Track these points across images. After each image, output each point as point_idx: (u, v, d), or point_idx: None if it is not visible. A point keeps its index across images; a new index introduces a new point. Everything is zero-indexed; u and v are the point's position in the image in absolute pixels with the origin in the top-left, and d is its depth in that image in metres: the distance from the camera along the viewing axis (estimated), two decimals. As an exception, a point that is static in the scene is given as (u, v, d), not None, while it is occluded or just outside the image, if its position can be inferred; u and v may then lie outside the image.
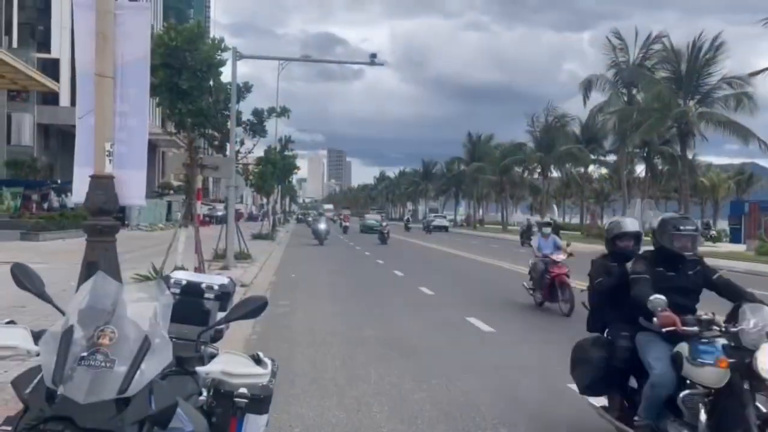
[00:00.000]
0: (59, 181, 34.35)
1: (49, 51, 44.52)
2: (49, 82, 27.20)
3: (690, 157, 38.54)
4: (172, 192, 47.08)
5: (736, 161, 77.69)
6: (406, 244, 35.90)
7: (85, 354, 1.76)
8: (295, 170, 41.24)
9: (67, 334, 1.81)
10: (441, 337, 8.55)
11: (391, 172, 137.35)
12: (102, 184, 5.48)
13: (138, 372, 1.75)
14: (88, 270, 5.30)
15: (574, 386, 6.05)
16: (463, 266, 21.88)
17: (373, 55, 23.51)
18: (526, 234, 32.81)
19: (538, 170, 57.03)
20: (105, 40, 5.39)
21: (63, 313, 1.98)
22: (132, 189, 5.81)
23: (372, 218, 54.51)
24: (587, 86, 40.80)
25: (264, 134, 20.14)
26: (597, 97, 40.92)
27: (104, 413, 1.71)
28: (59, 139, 41.28)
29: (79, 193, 5.77)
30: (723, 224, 56.99)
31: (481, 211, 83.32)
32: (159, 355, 1.84)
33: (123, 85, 5.64)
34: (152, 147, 41.96)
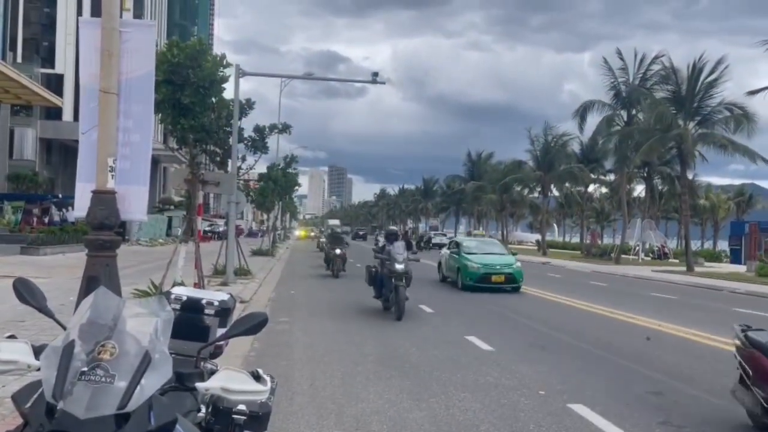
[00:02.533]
0: (60, 196, 34.43)
1: (53, 66, 44.89)
2: (52, 98, 27.38)
3: (690, 177, 38.64)
4: (172, 207, 47.17)
5: (736, 182, 77.87)
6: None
7: (85, 369, 1.77)
8: (296, 187, 41.34)
9: (68, 348, 1.81)
10: (440, 356, 8.51)
11: (392, 189, 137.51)
12: (104, 199, 5.51)
13: (138, 387, 1.75)
14: (89, 284, 5.32)
15: (574, 407, 6.05)
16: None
17: (375, 74, 23.67)
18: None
19: (538, 189, 57.10)
20: (110, 56, 5.45)
21: (64, 327, 1.99)
22: (134, 204, 5.84)
23: (495, 257, 18.95)
24: (582, 113, 41.03)
25: (265, 151, 20.27)
26: (597, 119, 41.16)
27: (104, 428, 1.70)
28: (61, 153, 41.46)
29: (80, 207, 5.80)
30: (723, 245, 56.97)
31: (481, 228, 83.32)
32: (159, 371, 1.84)
33: (127, 101, 5.70)
34: (154, 162, 42.06)
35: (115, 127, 5.58)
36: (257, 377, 2.17)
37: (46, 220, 31.90)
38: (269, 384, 2.23)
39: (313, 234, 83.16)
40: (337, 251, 21.33)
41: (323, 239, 36.62)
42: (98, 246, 5.53)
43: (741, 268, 33.80)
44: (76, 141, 5.99)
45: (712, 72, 33.16)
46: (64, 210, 32.20)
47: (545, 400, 6.34)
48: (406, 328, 10.94)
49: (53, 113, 39.58)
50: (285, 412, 5.52)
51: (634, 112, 39.38)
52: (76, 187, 5.95)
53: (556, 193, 59.55)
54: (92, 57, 5.66)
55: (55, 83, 41.30)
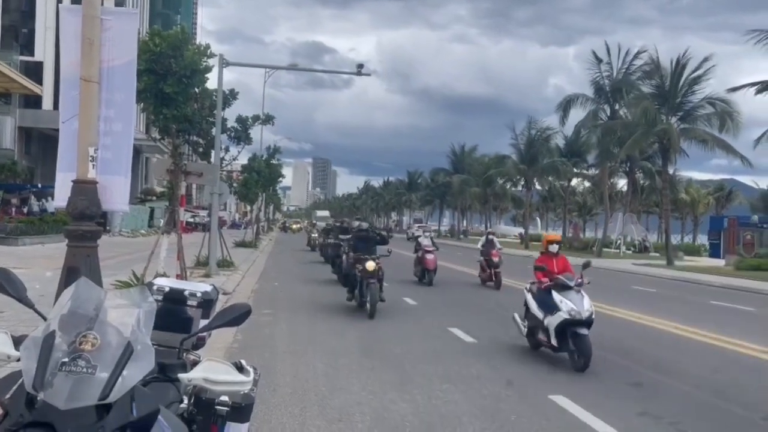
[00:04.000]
0: (40, 185, 33.93)
1: (32, 54, 44.09)
2: (32, 86, 26.93)
3: (671, 172, 39.08)
4: (155, 198, 46.73)
5: (716, 177, 78.81)
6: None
7: (66, 359, 1.75)
8: (280, 178, 41.11)
9: (49, 339, 1.79)
10: (423, 348, 8.55)
11: (377, 182, 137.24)
12: (85, 189, 5.44)
13: (120, 378, 1.74)
14: (69, 275, 5.26)
15: (555, 398, 6.12)
16: (446, 276, 21.92)
17: (360, 66, 23.60)
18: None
19: (522, 183, 57.44)
20: (91, 45, 5.38)
21: (44, 318, 1.97)
22: (115, 194, 5.79)
23: None
24: (566, 107, 41.26)
25: (249, 141, 20.12)
26: (580, 113, 41.44)
27: (85, 419, 1.70)
28: (41, 143, 40.82)
29: (60, 197, 5.74)
30: (703, 239, 57.76)
31: (465, 221, 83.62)
32: (141, 362, 1.84)
33: (109, 90, 5.63)
34: (136, 152, 41.58)
35: (97, 116, 5.51)
36: (240, 368, 2.16)
37: (25, 210, 31.44)
38: (252, 375, 2.23)
39: (296, 226, 75.39)
40: (368, 264, 10.96)
41: (315, 233, 27.36)
42: (79, 236, 5.47)
43: (720, 262, 34.31)
44: (57, 130, 5.92)
45: (696, 69, 33.51)
46: (43, 200, 31.76)
47: (526, 391, 6.40)
48: (385, 314, 10.94)
49: (32, 101, 38.91)
50: (268, 403, 5.51)
51: (617, 107, 39.69)
52: (57, 177, 5.88)
53: (539, 186, 59.94)
54: (73, 45, 5.58)
55: (34, 71, 40.55)
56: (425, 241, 18.44)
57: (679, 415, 5.78)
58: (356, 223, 16.62)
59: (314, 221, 68.85)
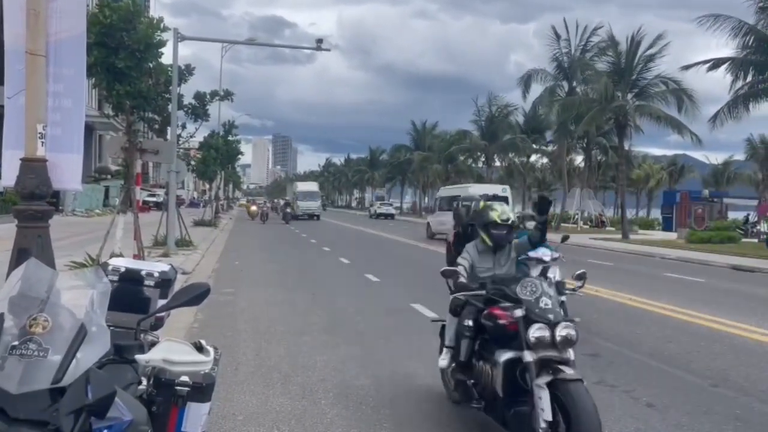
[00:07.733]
0: (-14, 164, 32.69)
1: (-26, 26, 42.12)
2: (-25, 60, 25.77)
3: (626, 148, 39.91)
4: (109, 176, 45.57)
5: (670, 153, 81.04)
6: (351, 230, 35.86)
7: (16, 343, 1.70)
8: (239, 156, 40.51)
9: (-3, 322, 1.74)
10: (386, 324, 8.61)
11: (338, 160, 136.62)
12: (34, 167, 5.24)
13: (74, 361, 1.70)
14: (19, 257, 5.09)
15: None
16: (408, 252, 22.07)
17: (320, 41, 23.31)
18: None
19: (483, 159, 57.95)
20: (37, 16, 5.14)
21: (-8, 301, 1.90)
22: (67, 173, 5.60)
23: None
24: (527, 81, 41.61)
25: (206, 118, 19.74)
26: (540, 89, 41.85)
27: (38, 403, 1.65)
28: (-13, 119, 39.23)
29: (8, 176, 5.52)
30: (656, 213, 59.49)
31: (426, 199, 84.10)
32: (96, 344, 1.79)
33: (57, 64, 5.41)
34: (88, 129, 40.27)
35: (44, 91, 5.29)
36: (200, 348, 2.14)
37: (-29, 190, 30.26)
38: (212, 354, 2.20)
39: (254, 208, 51.29)
40: None
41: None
42: (29, 216, 5.29)
43: (672, 236, 35.36)
44: (2, 106, 5.66)
45: (650, 46, 34.11)
46: (-10, 179, 30.61)
47: (487, 364, 6.52)
48: (347, 291, 10.98)
49: (-24, 77, 37.29)
50: (230, 382, 5.49)
51: (574, 83, 40.21)
52: (3, 155, 5.66)
53: (498, 163, 60.58)
54: (17, 15, 5.32)
55: (-23, 44, 38.79)
56: None
57: (633, 383, 5.98)
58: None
59: (295, 198, 46.84)
